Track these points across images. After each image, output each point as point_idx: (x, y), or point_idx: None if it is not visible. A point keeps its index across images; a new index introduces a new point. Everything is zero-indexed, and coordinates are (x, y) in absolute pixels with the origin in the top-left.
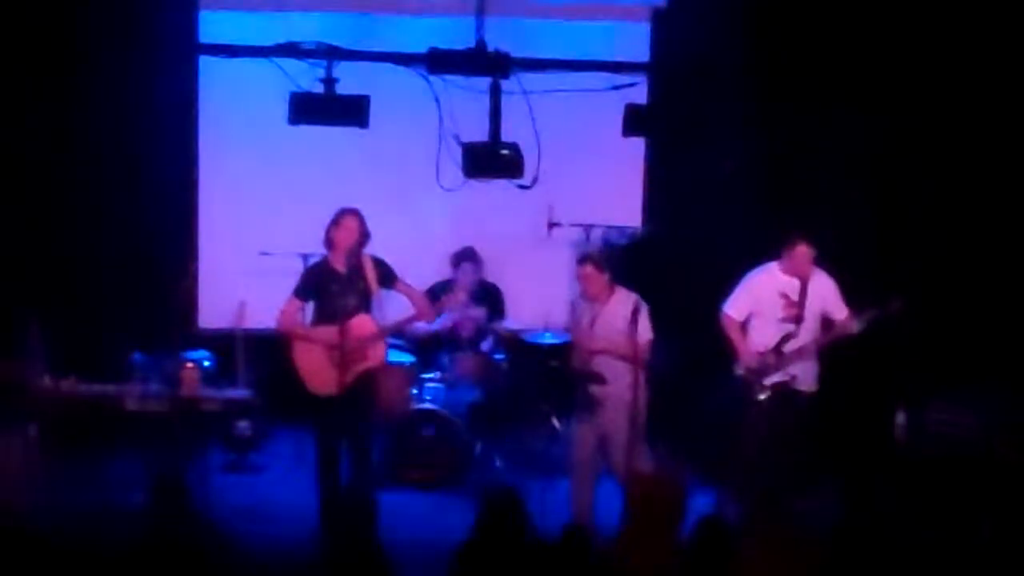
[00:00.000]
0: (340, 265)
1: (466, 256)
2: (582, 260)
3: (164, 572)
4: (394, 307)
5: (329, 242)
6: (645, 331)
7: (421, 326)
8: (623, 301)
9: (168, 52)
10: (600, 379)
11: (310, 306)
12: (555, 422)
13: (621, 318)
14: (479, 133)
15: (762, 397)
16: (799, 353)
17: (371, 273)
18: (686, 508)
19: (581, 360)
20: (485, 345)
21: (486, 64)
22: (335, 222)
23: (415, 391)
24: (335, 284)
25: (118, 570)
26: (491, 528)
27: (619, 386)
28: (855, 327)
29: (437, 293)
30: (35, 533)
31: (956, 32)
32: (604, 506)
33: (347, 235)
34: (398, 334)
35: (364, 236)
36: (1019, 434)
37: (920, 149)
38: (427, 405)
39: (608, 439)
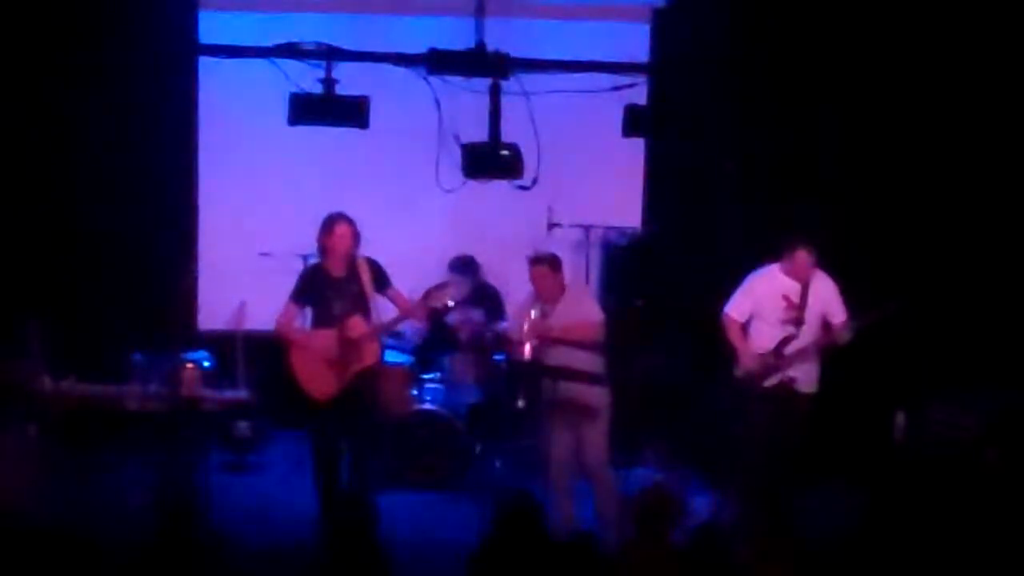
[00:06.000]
0: (335, 270)
1: (463, 265)
2: (537, 261)
3: (169, 572)
4: (391, 309)
5: (323, 249)
6: (595, 313)
7: (418, 327)
8: (575, 297)
9: (168, 52)
10: (560, 374)
11: (309, 310)
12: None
13: (573, 311)
14: (479, 133)
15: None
16: (799, 355)
17: (366, 276)
18: (682, 511)
19: (534, 354)
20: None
21: (486, 64)
22: (327, 230)
23: (415, 392)
24: (330, 289)
25: (119, 569)
26: (510, 531)
27: (586, 386)
28: (852, 329)
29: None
30: (35, 533)
31: (956, 31)
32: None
33: (340, 242)
34: (393, 334)
35: (357, 239)
36: (1015, 435)
37: (921, 149)
38: (427, 406)
39: (581, 440)
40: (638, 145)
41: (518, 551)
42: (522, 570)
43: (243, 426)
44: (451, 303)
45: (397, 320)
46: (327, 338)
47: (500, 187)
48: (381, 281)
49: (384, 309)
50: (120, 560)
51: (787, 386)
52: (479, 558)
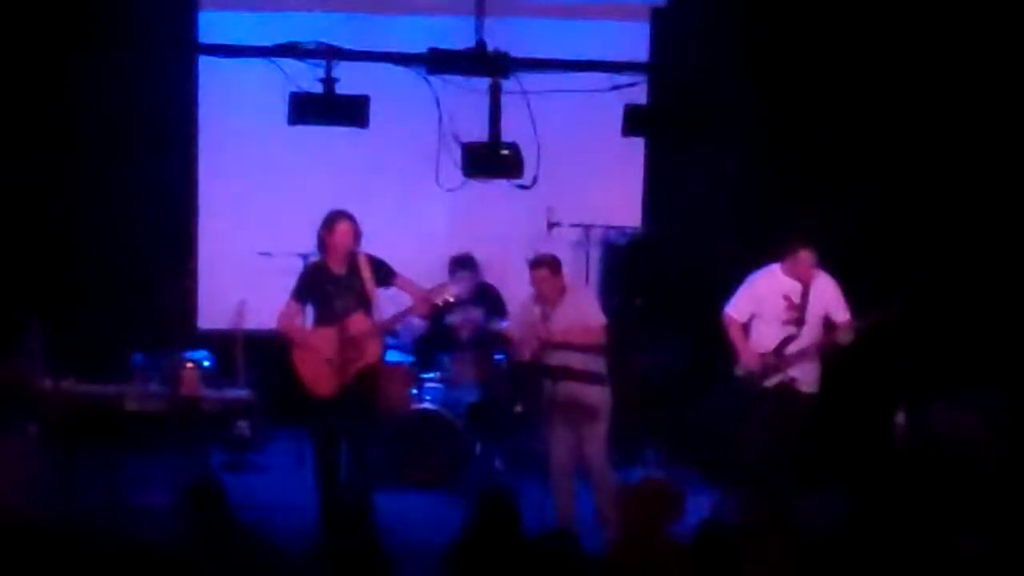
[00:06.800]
0: (336, 267)
1: (462, 263)
2: (537, 264)
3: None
4: (393, 307)
5: (323, 245)
6: (597, 316)
7: (417, 323)
8: (576, 298)
9: (168, 52)
10: (561, 374)
11: (311, 308)
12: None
13: (574, 314)
14: (479, 133)
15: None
16: (800, 355)
17: (368, 273)
18: (678, 507)
19: (535, 356)
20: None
21: (486, 64)
22: (328, 227)
23: (415, 391)
24: (331, 286)
25: (119, 569)
26: (482, 529)
27: (587, 386)
28: (854, 330)
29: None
30: (36, 533)
31: (957, 32)
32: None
33: (341, 239)
34: (394, 331)
35: (358, 236)
36: (1015, 434)
37: (921, 149)
38: (427, 405)
39: (581, 439)
40: (638, 145)
41: (491, 548)
42: (494, 567)
43: (243, 426)
44: (454, 297)
45: (400, 316)
46: (328, 336)
47: (500, 187)
48: (385, 275)
49: (385, 308)
50: (121, 559)
51: (788, 386)
52: (453, 554)
